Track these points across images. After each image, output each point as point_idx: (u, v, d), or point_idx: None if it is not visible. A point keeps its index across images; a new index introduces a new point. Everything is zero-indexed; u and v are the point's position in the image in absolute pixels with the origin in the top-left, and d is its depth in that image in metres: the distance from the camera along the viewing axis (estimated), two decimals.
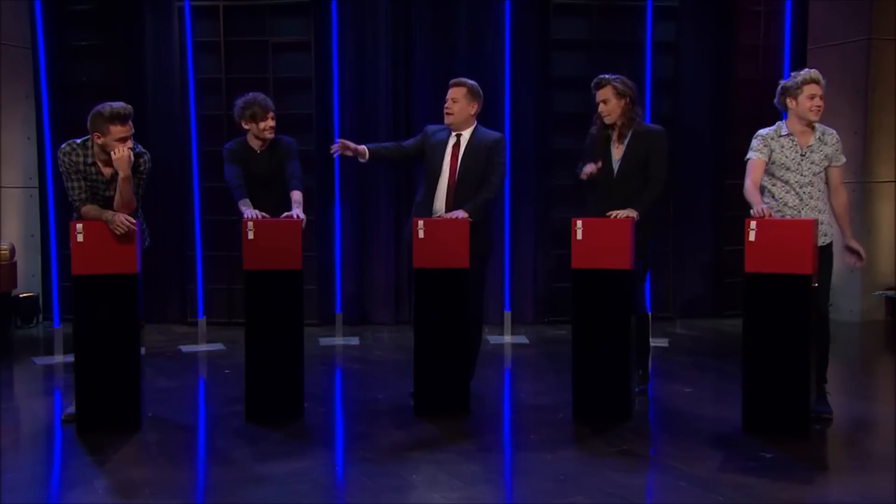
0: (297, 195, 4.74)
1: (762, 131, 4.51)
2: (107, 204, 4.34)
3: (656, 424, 4.52)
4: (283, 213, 4.62)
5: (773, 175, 4.44)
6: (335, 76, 7.20)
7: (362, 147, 4.83)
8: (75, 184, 4.32)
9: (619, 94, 4.58)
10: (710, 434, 4.21)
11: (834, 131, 4.50)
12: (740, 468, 3.70)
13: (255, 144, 4.92)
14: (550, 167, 7.37)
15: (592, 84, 4.67)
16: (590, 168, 4.59)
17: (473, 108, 4.77)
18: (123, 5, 7.48)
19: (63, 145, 4.36)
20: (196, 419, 4.81)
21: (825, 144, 4.43)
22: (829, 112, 7.18)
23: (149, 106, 7.36)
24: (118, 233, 4.20)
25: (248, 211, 4.59)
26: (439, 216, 4.65)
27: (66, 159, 4.31)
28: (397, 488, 3.52)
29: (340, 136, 7.04)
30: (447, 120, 4.77)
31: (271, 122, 4.86)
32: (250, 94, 4.92)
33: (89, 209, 4.31)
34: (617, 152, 4.66)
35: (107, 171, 4.35)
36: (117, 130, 4.20)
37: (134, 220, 4.27)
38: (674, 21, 7.47)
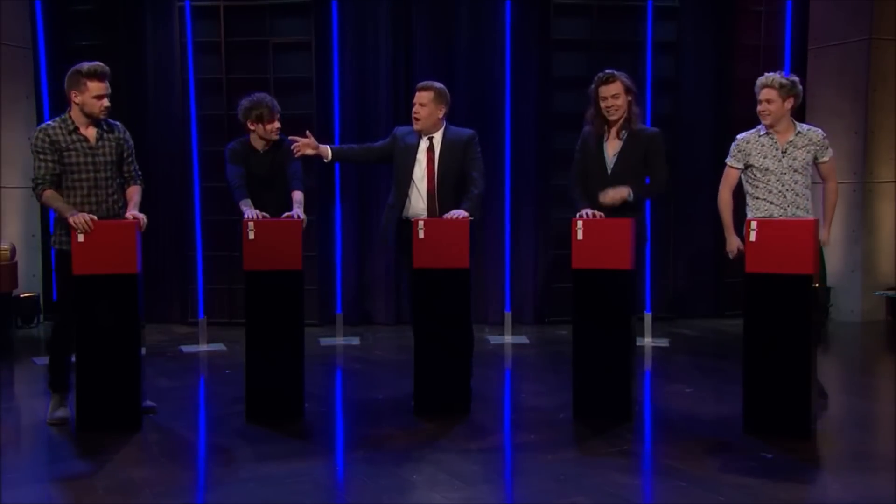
0: (298, 195, 4.74)
1: (739, 136, 4.59)
2: (96, 175, 4.31)
3: (656, 425, 4.52)
4: (284, 213, 4.62)
5: (754, 178, 4.50)
6: (335, 76, 7.21)
7: (324, 147, 4.82)
8: (42, 164, 4.25)
9: (627, 90, 4.54)
10: (710, 434, 4.22)
11: (819, 129, 4.57)
12: (741, 468, 3.70)
13: (258, 145, 4.91)
14: (550, 167, 7.37)
15: (598, 78, 4.57)
16: (588, 213, 4.49)
17: (441, 112, 4.74)
18: (124, 5, 7.49)
19: (38, 126, 4.34)
20: (197, 419, 4.81)
21: (810, 142, 4.49)
22: (829, 112, 7.29)
23: (149, 106, 7.37)
24: (80, 231, 4.14)
25: (249, 211, 4.59)
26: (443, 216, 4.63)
27: (41, 135, 4.26)
28: (398, 488, 3.52)
29: (341, 137, 7.09)
30: (416, 125, 4.73)
31: (277, 125, 4.87)
32: (256, 94, 4.90)
33: (51, 197, 4.25)
34: (611, 149, 4.60)
35: (90, 132, 4.32)
36: (95, 87, 4.24)
37: (96, 218, 4.21)
38: (674, 21, 7.47)
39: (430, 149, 4.74)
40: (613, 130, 4.61)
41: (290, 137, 4.82)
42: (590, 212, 4.45)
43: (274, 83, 7.15)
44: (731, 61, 7.72)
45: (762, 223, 4.15)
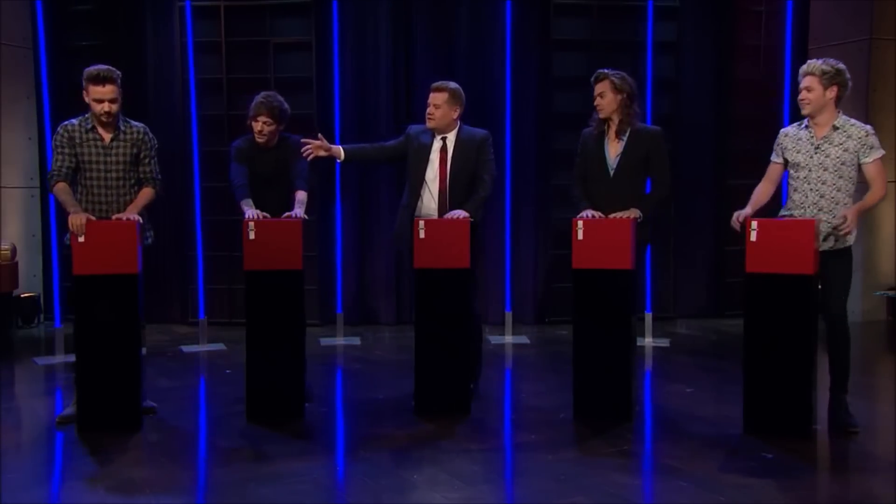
0: (301, 195, 4.70)
1: (783, 129, 4.44)
2: (107, 175, 4.41)
3: (656, 425, 4.52)
4: (285, 212, 4.61)
5: (789, 174, 4.34)
6: (336, 76, 7.21)
7: (337, 147, 4.79)
8: (59, 157, 4.42)
9: (617, 89, 4.51)
10: (710, 434, 4.21)
11: (867, 126, 4.17)
12: (741, 469, 3.70)
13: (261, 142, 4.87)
14: (550, 167, 7.38)
15: (592, 78, 4.60)
16: (589, 213, 4.46)
17: (456, 112, 4.73)
18: (124, 5, 7.49)
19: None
20: (197, 419, 4.81)
21: (849, 138, 4.13)
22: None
23: (149, 106, 7.37)
24: (72, 231, 4.20)
25: (250, 211, 4.58)
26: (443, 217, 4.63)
27: (61, 131, 4.46)
28: (398, 488, 3.52)
29: (342, 137, 7.08)
30: (429, 124, 4.73)
31: (259, 126, 4.74)
32: (263, 92, 4.87)
33: (60, 190, 4.38)
34: (613, 150, 4.58)
35: (106, 132, 4.45)
36: (93, 90, 4.36)
37: (93, 219, 4.27)
38: (674, 21, 7.47)
39: (444, 149, 4.73)
40: (613, 132, 4.59)
41: (302, 139, 4.79)
42: (591, 213, 4.45)
43: (274, 83, 7.14)
44: (731, 61, 7.73)
45: (762, 223, 4.14)
